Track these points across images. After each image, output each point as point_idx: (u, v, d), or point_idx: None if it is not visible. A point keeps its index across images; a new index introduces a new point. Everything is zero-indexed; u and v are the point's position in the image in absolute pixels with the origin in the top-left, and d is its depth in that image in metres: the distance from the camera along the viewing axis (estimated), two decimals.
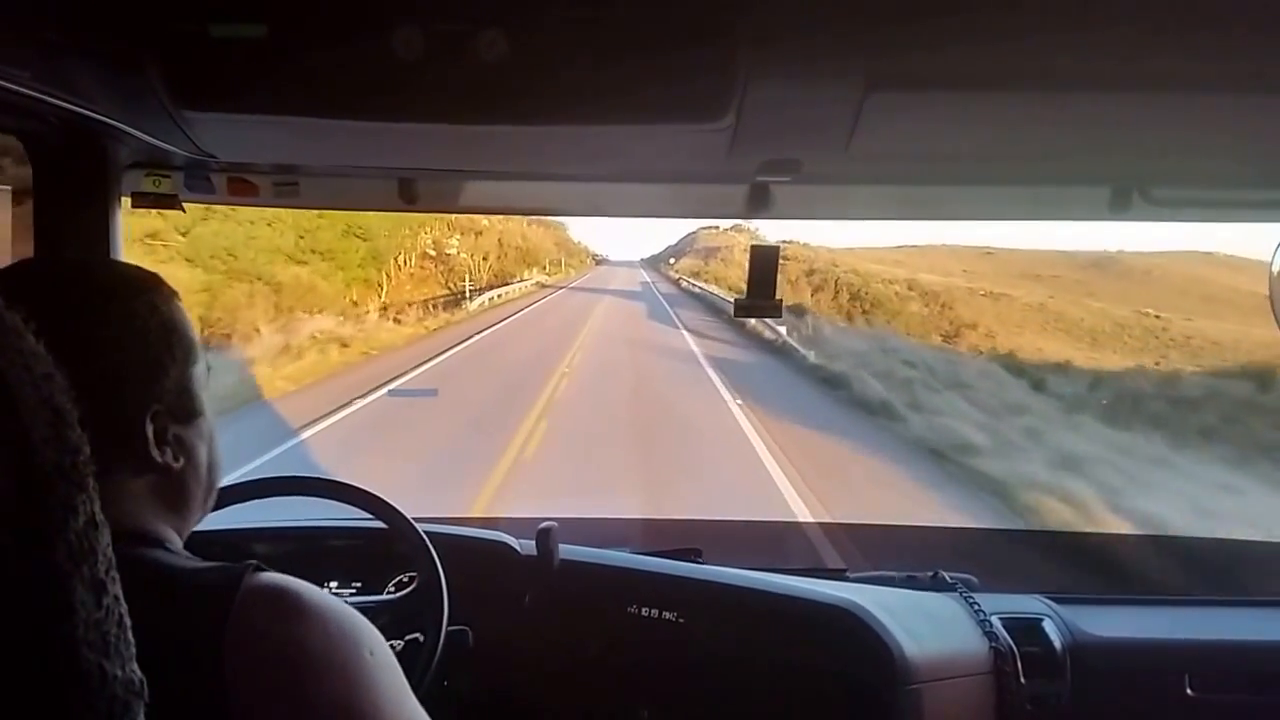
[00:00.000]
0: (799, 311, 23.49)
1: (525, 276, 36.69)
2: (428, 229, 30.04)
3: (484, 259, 33.38)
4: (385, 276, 26.91)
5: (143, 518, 0.63)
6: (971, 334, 28.76)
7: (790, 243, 44.27)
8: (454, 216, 27.87)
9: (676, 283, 40.41)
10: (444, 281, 29.67)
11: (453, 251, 30.97)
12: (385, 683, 0.58)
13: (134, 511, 0.63)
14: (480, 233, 34.07)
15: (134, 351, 0.63)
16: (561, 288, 37.05)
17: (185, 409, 0.67)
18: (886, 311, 31.13)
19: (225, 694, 0.52)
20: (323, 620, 0.57)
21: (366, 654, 0.58)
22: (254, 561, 0.58)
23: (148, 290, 0.66)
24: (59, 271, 0.67)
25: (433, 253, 30.29)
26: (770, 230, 48.21)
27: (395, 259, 27.99)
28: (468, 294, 26.67)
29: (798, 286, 34.05)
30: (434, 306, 23.86)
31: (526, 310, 25.51)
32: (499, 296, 28.47)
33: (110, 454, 0.60)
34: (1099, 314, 30.42)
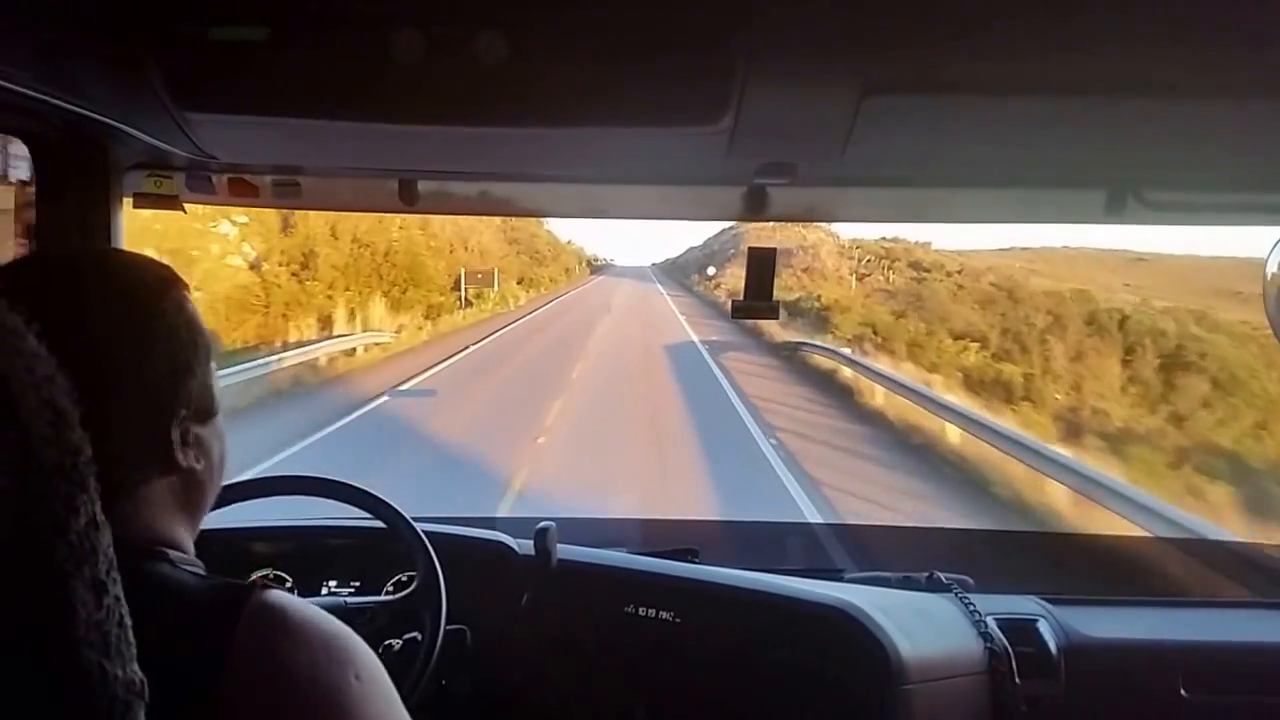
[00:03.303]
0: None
1: (343, 331, 13.68)
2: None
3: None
4: None
5: (160, 523, 0.62)
6: None
7: (893, 240, 29.03)
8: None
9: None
10: None
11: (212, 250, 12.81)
12: (372, 707, 0.57)
13: (153, 517, 0.62)
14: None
15: (164, 354, 0.62)
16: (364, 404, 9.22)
17: (206, 410, 0.66)
18: (1253, 399, 13.71)
19: (219, 713, 0.52)
20: (310, 644, 0.56)
21: (353, 679, 0.57)
22: (257, 580, 0.58)
23: (171, 287, 0.64)
24: (79, 268, 0.64)
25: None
26: (874, 229, 33.12)
27: None
28: None
29: (1069, 335, 16.75)
30: None
31: None
32: None
33: (143, 458, 0.61)
34: None
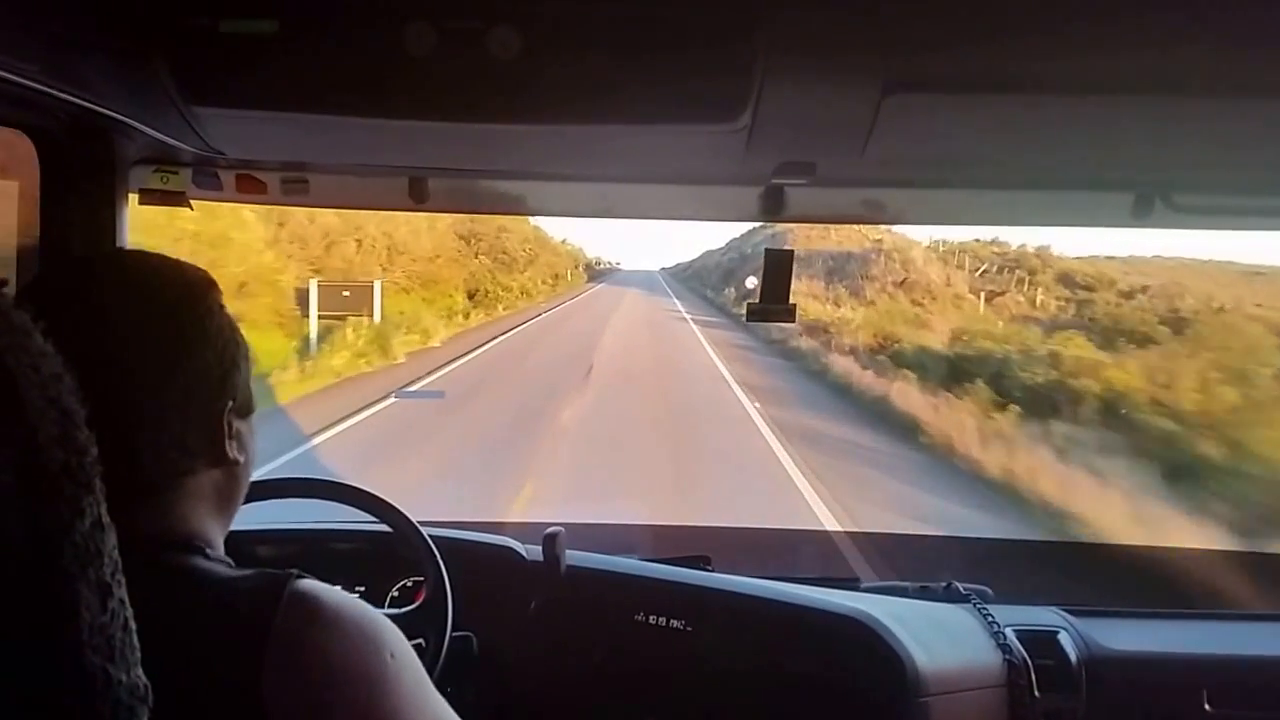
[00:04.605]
0: None
1: None
2: None
3: None
4: None
5: (197, 518, 0.65)
6: None
7: (993, 243, 21.19)
8: None
9: None
10: None
11: None
12: (405, 684, 0.60)
13: (191, 512, 0.65)
14: None
15: (214, 351, 0.66)
16: None
17: (247, 405, 0.70)
18: None
19: (262, 701, 0.54)
20: (345, 629, 0.58)
21: (387, 657, 0.59)
22: (294, 570, 0.60)
23: (213, 287, 0.69)
24: (129, 269, 0.68)
25: None
26: (965, 231, 25.95)
27: None
28: None
29: None
30: None
31: None
32: None
33: (195, 448, 0.65)
34: None
